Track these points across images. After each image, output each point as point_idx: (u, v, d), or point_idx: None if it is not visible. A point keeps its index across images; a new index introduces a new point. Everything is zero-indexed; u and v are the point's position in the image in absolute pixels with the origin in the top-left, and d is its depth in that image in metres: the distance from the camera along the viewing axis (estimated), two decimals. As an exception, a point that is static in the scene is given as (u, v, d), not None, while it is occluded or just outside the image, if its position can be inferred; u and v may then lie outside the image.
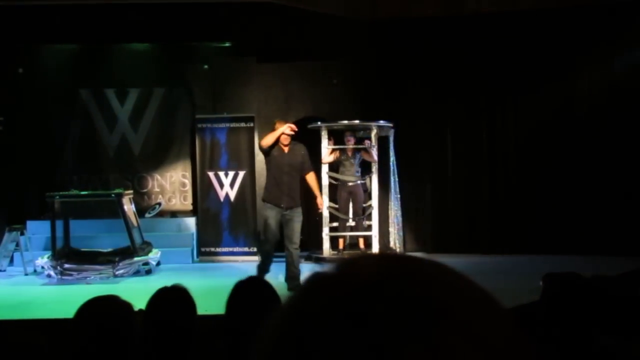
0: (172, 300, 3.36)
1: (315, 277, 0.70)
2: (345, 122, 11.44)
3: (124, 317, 2.88)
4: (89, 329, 2.82)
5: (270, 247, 9.42)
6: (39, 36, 12.08)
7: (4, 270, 11.28)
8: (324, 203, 11.23)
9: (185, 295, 3.39)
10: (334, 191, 11.55)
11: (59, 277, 10.28)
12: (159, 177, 13.35)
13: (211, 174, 12.43)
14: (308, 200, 12.34)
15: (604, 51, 12.06)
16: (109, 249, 10.97)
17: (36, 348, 3.19)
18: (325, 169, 11.37)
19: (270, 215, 9.48)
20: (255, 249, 12.05)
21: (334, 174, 11.49)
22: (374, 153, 11.38)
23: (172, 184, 13.38)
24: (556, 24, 12.09)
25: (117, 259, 10.51)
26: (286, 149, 9.83)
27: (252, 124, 12.42)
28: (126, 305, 2.94)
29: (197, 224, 12.57)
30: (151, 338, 3.22)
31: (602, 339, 2.97)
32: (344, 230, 11.57)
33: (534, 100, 12.28)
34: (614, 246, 11.33)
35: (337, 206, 11.49)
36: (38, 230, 11.80)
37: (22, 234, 11.37)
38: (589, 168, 11.87)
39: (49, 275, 10.42)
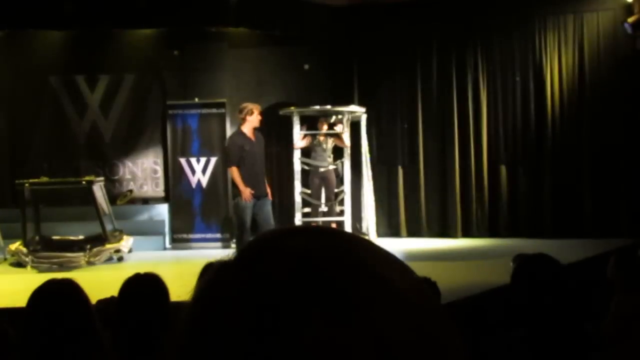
0: (145, 287, 3.36)
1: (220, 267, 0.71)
2: (317, 107, 11.43)
3: (75, 299, 2.86)
4: (41, 314, 2.81)
5: (249, 238, 9.55)
6: (6, 22, 11.92)
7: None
8: (297, 188, 11.27)
9: (158, 282, 3.38)
10: (306, 177, 11.55)
11: (30, 265, 10.21)
12: (130, 164, 13.28)
13: (183, 161, 12.38)
14: (282, 186, 12.42)
15: (574, 34, 12.13)
16: (81, 237, 10.90)
17: (3, 337, 3.17)
18: (297, 154, 11.36)
19: (248, 206, 9.67)
20: (228, 235, 12.06)
21: (306, 160, 11.49)
22: (346, 138, 11.39)
23: (144, 171, 13.30)
24: (529, 6, 12.15)
25: (88, 246, 10.45)
26: (254, 139, 9.94)
27: (223, 110, 12.38)
28: (74, 286, 2.92)
29: (169, 210, 12.53)
30: (124, 324, 3.22)
31: (574, 319, 3.01)
32: (317, 216, 11.58)
33: (506, 83, 12.35)
34: (585, 229, 11.47)
35: (309, 192, 11.50)
36: (8, 218, 11.69)
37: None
38: (561, 152, 11.97)
39: (19, 263, 10.34)
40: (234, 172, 9.98)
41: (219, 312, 0.66)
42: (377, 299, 0.65)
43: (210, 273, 0.71)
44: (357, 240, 0.72)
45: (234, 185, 10.07)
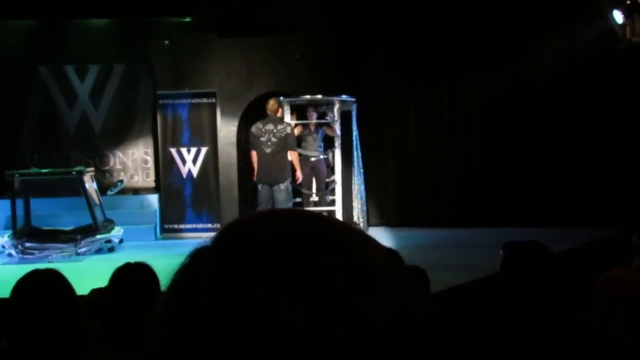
0: (136, 276, 3.35)
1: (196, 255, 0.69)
2: (308, 97, 11.42)
3: (59, 289, 2.86)
4: (24, 305, 2.81)
5: None
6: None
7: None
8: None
9: (148, 272, 3.37)
10: (297, 166, 11.55)
11: (20, 256, 10.19)
12: (120, 154, 13.25)
13: (173, 151, 12.35)
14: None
15: (564, 24, 12.14)
16: (71, 227, 10.88)
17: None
18: (288, 144, 11.36)
19: None
20: (218, 225, 12.05)
21: (297, 149, 11.47)
22: (337, 128, 11.38)
23: (134, 161, 13.29)
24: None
25: (79, 237, 10.44)
26: None
27: (213, 100, 12.35)
28: (57, 276, 2.91)
29: (160, 200, 12.51)
30: (115, 314, 3.21)
31: (564, 306, 3.02)
32: (308, 206, 11.57)
33: (495, 73, 12.35)
34: (574, 218, 11.48)
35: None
36: (-2, 209, 11.66)
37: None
38: (550, 141, 11.99)
39: (9, 255, 10.32)
40: (297, 156, 10.68)
41: (193, 298, 0.64)
42: (359, 282, 0.63)
43: (186, 258, 0.69)
44: (338, 224, 0.70)
45: (287, 169, 10.47)
